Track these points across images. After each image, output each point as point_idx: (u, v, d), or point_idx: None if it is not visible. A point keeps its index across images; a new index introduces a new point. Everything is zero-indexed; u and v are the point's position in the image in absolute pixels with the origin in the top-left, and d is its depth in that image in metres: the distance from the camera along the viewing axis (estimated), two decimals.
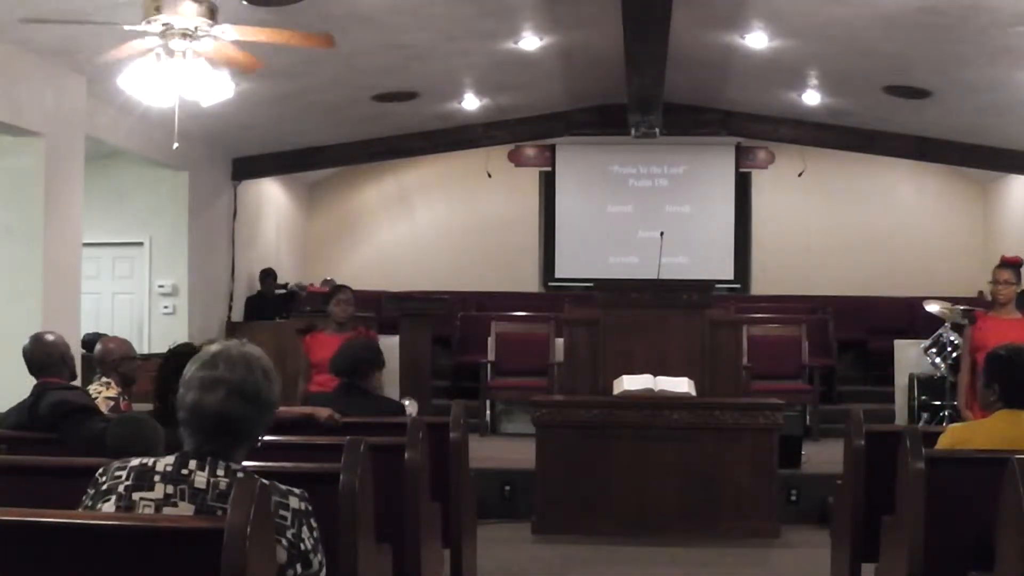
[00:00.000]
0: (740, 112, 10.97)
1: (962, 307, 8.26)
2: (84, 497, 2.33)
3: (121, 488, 2.25)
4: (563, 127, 11.45)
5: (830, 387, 10.21)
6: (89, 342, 7.58)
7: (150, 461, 2.28)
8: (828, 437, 8.64)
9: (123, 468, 2.29)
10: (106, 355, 4.89)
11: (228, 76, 5.75)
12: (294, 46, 5.71)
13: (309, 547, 2.31)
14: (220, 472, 2.24)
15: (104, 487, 2.29)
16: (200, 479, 2.23)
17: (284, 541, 2.25)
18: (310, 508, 2.34)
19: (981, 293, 10.57)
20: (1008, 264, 6.17)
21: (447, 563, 4.90)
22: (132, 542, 2.05)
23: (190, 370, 2.31)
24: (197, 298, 10.15)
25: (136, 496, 2.23)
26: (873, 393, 10.11)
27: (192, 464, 2.24)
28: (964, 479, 3.62)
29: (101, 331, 8.45)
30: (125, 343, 5.06)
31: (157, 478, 2.24)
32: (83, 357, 6.48)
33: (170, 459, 2.27)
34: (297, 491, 2.34)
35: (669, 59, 7.85)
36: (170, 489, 2.22)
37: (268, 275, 11.42)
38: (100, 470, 2.35)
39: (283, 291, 11.54)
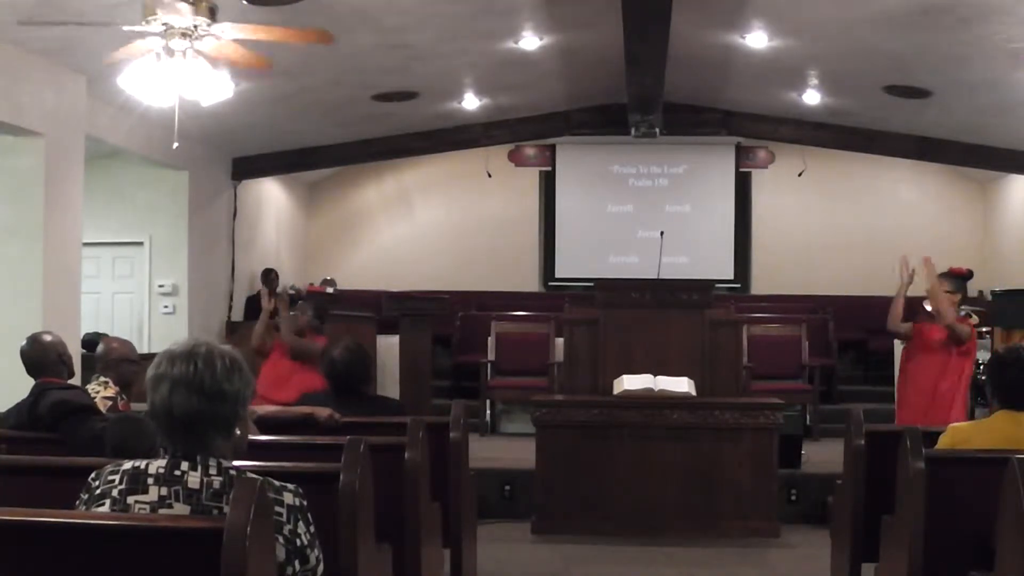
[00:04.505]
0: (740, 112, 10.98)
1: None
2: (77, 502, 2.32)
3: (115, 492, 2.24)
4: (563, 127, 11.46)
5: (830, 387, 10.21)
6: (89, 342, 7.58)
7: (142, 464, 2.27)
8: (828, 437, 8.63)
9: (116, 472, 2.28)
10: (106, 354, 4.88)
11: (228, 76, 5.74)
12: (293, 43, 5.70)
13: (306, 542, 2.30)
14: (213, 471, 2.23)
15: (97, 491, 2.28)
16: (194, 479, 2.22)
17: (280, 538, 2.24)
18: (305, 503, 2.33)
19: (981, 293, 10.57)
20: (946, 275, 6.39)
21: (447, 563, 4.89)
22: (132, 542, 2.05)
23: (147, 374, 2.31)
24: (197, 298, 10.16)
25: (131, 499, 2.22)
26: (873, 393, 10.10)
27: (184, 465, 2.23)
28: (964, 479, 3.63)
29: (101, 331, 8.46)
30: (127, 345, 5.04)
31: (151, 481, 2.23)
32: (83, 357, 6.49)
33: (162, 461, 2.26)
34: (291, 487, 2.33)
35: (669, 59, 7.85)
36: (164, 491, 2.21)
37: (269, 275, 11.44)
38: (93, 474, 2.34)
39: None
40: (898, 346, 9.41)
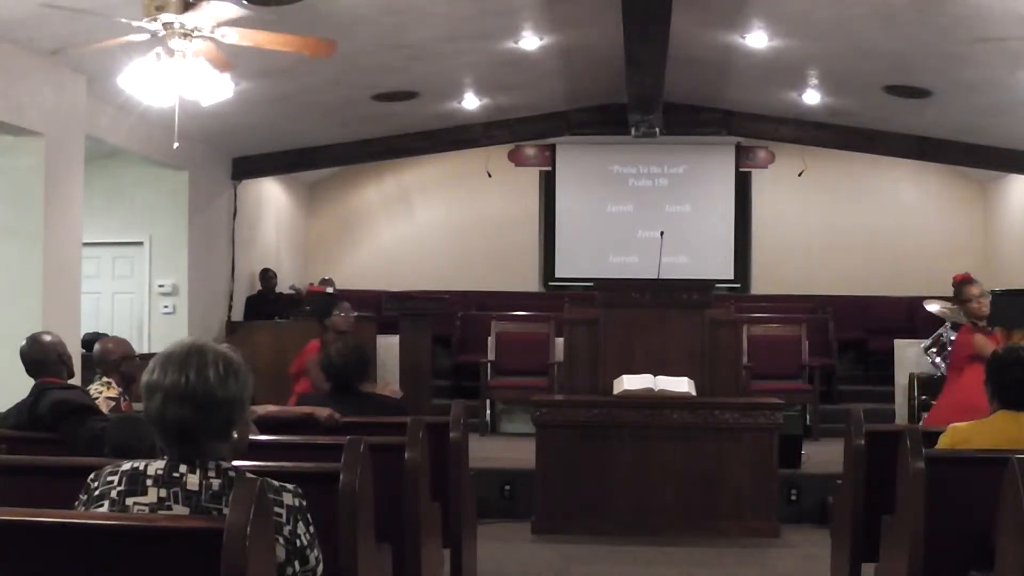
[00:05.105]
0: (740, 112, 10.97)
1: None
2: (76, 503, 2.32)
3: (114, 493, 2.24)
4: (563, 127, 11.45)
5: (830, 387, 10.22)
6: (89, 342, 7.57)
7: (141, 465, 2.26)
8: (828, 437, 8.64)
9: (114, 473, 2.27)
10: (106, 355, 4.88)
11: (228, 76, 5.74)
12: (294, 52, 5.69)
13: (306, 543, 2.30)
14: (212, 473, 2.23)
15: (96, 492, 2.28)
16: (192, 481, 2.21)
17: (280, 539, 2.24)
18: (304, 504, 2.32)
19: None
20: (971, 280, 6.31)
21: (447, 563, 4.90)
22: (132, 542, 2.05)
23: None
24: (197, 298, 10.15)
25: (129, 501, 2.21)
26: (873, 393, 10.12)
27: (183, 467, 2.22)
28: (964, 479, 3.62)
29: (101, 331, 8.45)
30: (123, 342, 5.05)
31: (149, 482, 2.22)
32: (83, 357, 6.49)
33: (161, 463, 2.25)
34: (290, 487, 2.32)
35: (669, 59, 7.85)
36: (163, 493, 2.20)
37: (267, 274, 11.46)
38: (92, 475, 2.33)
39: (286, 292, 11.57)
40: (901, 347, 9.44)
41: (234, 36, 5.28)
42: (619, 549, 6.18)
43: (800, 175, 12.49)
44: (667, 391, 6.71)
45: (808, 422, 9.23)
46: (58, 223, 7.22)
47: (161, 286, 10.03)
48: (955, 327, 8.12)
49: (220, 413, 2.24)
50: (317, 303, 7.70)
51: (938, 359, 8.23)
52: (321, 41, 5.56)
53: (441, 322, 10.05)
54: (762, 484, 6.49)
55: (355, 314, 6.97)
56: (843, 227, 12.70)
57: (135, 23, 5.15)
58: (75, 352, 5.95)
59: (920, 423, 8.19)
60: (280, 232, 12.58)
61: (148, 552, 2.05)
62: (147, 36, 5.21)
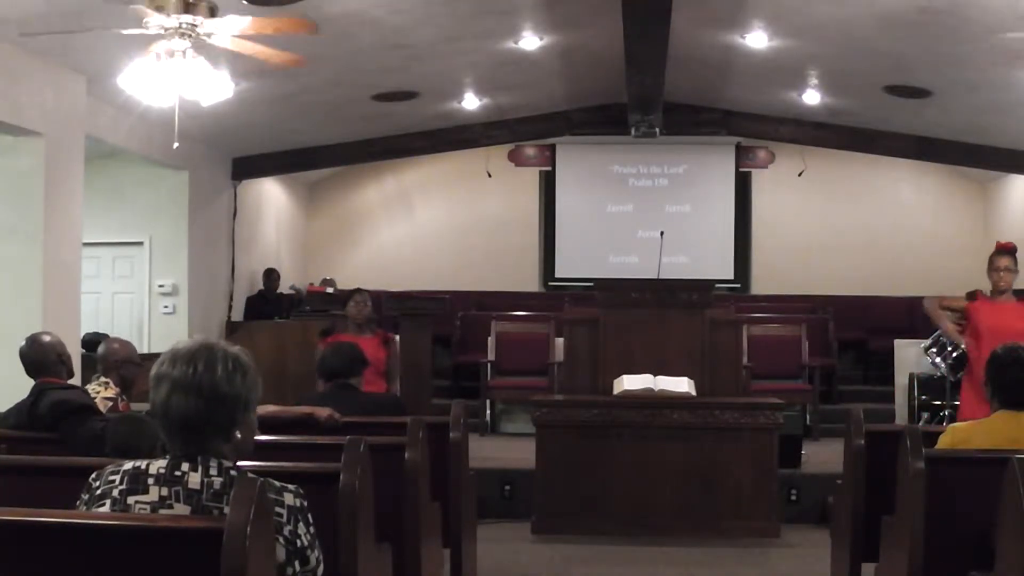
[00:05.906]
0: (740, 112, 10.98)
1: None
2: (78, 502, 2.32)
3: (115, 492, 2.24)
4: (563, 127, 11.47)
5: (830, 387, 10.21)
6: (89, 342, 7.59)
7: (143, 464, 2.27)
8: (828, 437, 8.63)
9: (116, 472, 2.28)
10: (110, 355, 4.88)
11: (228, 76, 5.75)
12: (288, 41, 5.69)
13: (306, 543, 2.30)
14: (213, 471, 2.23)
15: (98, 491, 2.28)
16: (194, 479, 2.22)
17: (281, 539, 2.24)
18: (305, 504, 2.33)
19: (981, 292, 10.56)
20: (1006, 250, 6.16)
21: (447, 563, 4.90)
22: (132, 542, 2.05)
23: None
24: (197, 298, 10.16)
25: (131, 500, 2.22)
26: (873, 393, 10.11)
27: (185, 466, 2.23)
28: (964, 479, 3.62)
29: (101, 331, 8.47)
30: (129, 346, 5.04)
31: (151, 481, 2.23)
32: (83, 357, 6.49)
33: (163, 462, 2.25)
34: (291, 487, 2.32)
35: (669, 59, 7.85)
36: (164, 491, 2.21)
37: (271, 275, 11.47)
38: (93, 474, 2.34)
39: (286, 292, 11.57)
40: (901, 347, 9.44)
41: (225, 28, 5.26)
42: (619, 549, 6.18)
43: (800, 175, 12.50)
44: (667, 391, 6.71)
45: (808, 422, 9.23)
46: (58, 223, 7.22)
47: (161, 286, 10.04)
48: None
49: (224, 408, 2.26)
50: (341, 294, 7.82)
51: (938, 359, 8.22)
52: (302, 21, 5.56)
53: (441, 322, 10.04)
54: (762, 484, 6.49)
55: (370, 304, 7.05)
56: (843, 227, 12.70)
57: (131, 29, 5.15)
58: (75, 352, 5.96)
59: (921, 423, 8.19)
60: (280, 232, 12.59)
61: (148, 552, 2.05)
62: (146, 36, 5.21)
